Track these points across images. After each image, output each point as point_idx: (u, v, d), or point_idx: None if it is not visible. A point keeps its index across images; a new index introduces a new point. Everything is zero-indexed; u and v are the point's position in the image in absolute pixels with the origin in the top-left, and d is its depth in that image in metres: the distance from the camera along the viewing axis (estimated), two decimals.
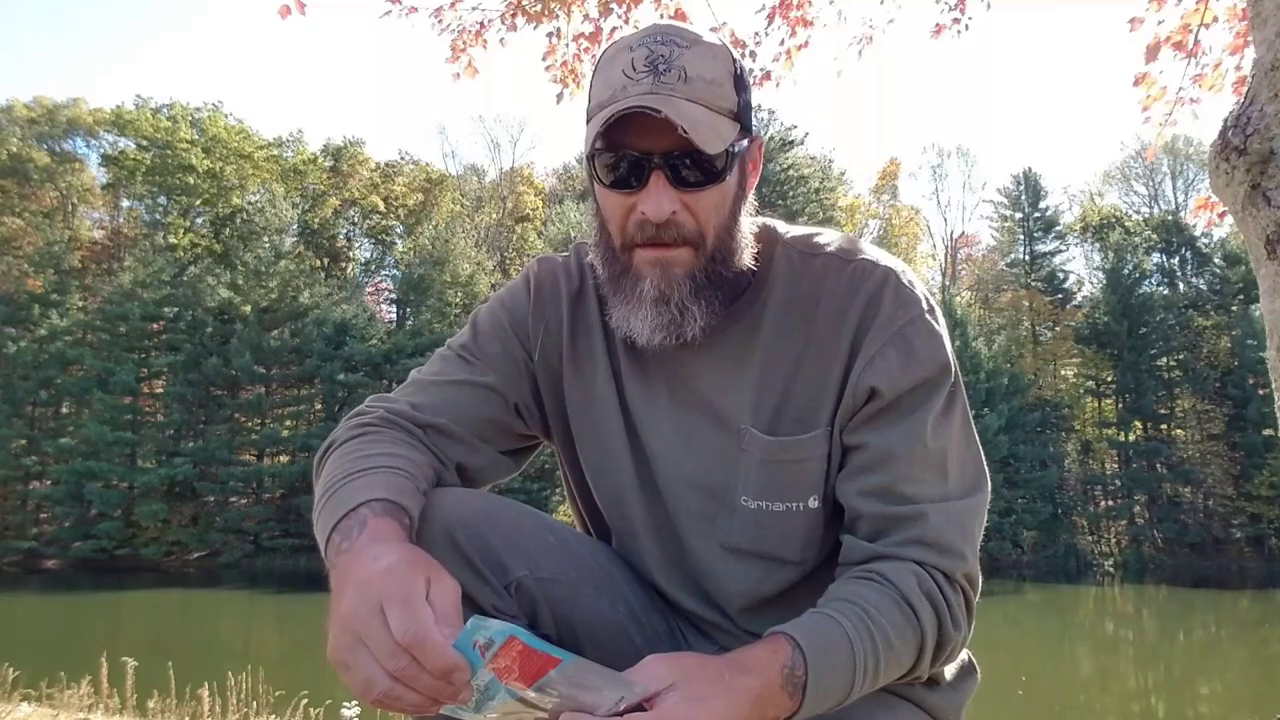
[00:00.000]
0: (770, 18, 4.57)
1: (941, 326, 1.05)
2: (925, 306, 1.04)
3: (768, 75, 4.70)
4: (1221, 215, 4.56)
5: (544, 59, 4.53)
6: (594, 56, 4.49)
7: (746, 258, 1.04)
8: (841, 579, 1.00)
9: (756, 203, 1.10)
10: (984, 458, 1.07)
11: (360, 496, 0.91)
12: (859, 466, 1.02)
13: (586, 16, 4.43)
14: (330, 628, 0.76)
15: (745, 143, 1.02)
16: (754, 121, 1.05)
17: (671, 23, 1.03)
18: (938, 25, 4.72)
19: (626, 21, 4.42)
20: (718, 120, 0.97)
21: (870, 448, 1.01)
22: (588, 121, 1.01)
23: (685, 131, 0.92)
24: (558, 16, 4.40)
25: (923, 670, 0.98)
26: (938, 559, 0.97)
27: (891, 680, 0.96)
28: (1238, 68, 4.01)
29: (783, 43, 4.62)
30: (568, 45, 4.48)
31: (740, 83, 1.02)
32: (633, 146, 0.96)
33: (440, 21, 4.52)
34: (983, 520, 1.03)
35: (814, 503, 1.05)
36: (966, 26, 4.69)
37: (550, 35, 4.47)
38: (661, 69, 0.96)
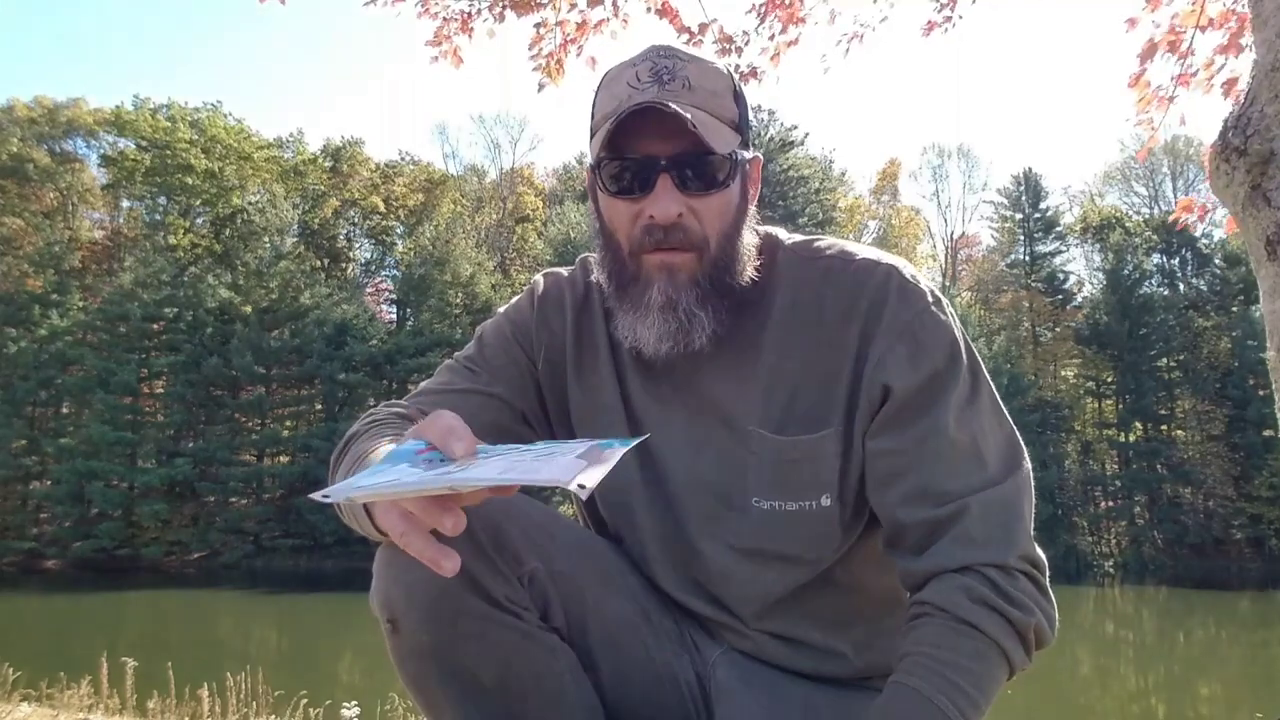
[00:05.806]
0: (763, 17, 4.55)
1: (949, 316, 1.05)
2: (930, 299, 1.05)
3: (753, 72, 4.66)
4: (1202, 217, 4.53)
5: (530, 48, 4.47)
6: (579, 47, 4.46)
7: (750, 269, 1.06)
8: (904, 623, 1.00)
9: (759, 217, 1.12)
10: (1019, 435, 1.06)
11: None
12: (889, 473, 1.02)
13: (573, 5, 4.38)
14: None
15: (747, 154, 1.04)
16: (751, 140, 1.08)
17: (670, 44, 1.07)
18: (929, 23, 4.71)
19: (616, 14, 4.38)
20: (721, 126, 1.00)
21: (897, 452, 1.01)
22: (591, 136, 1.03)
23: (694, 126, 0.93)
24: (545, 6, 4.36)
25: (1022, 664, 0.98)
26: (987, 554, 0.96)
27: (997, 691, 0.96)
28: (1230, 70, 4.00)
29: (772, 37, 4.59)
30: (554, 35, 4.43)
31: (739, 99, 1.05)
32: (639, 152, 0.98)
33: (427, 10, 4.46)
34: (1030, 496, 1.02)
35: (827, 501, 1.05)
36: (954, 24, 4.68)
37: (538, 26, 4.43)
38: (666, 78, 0.99)
